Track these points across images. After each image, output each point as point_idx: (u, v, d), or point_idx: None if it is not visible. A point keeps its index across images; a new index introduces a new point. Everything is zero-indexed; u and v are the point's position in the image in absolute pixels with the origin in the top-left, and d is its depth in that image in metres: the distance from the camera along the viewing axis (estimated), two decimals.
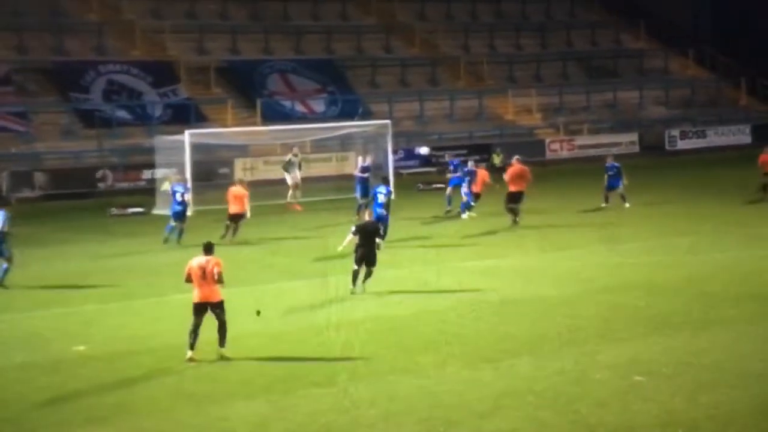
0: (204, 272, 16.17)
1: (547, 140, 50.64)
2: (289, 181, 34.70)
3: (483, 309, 19.49)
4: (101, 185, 38.93)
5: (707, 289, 20.67)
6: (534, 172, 31.92)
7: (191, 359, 16.14)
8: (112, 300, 21.34)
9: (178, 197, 27.59)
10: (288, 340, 17.64)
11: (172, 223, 27.67)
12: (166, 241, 27.45)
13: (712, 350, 16.16)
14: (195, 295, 16.35)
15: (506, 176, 30.28)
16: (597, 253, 25.13)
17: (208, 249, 16.54)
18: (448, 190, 32.41)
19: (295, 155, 35.02)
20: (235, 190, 28.26)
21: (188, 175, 34.33)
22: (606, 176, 32.63)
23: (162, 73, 47.80)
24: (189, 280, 16.33)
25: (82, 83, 45.99)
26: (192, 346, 16.22)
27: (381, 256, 23.84)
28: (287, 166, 34.83)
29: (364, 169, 32.21)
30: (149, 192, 36.85)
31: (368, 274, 21.09)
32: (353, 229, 21.32)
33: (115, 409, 14.12)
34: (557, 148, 50.28)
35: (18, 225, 33.16)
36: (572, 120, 53.24)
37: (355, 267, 20.95)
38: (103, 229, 32.02)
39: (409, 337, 17.55)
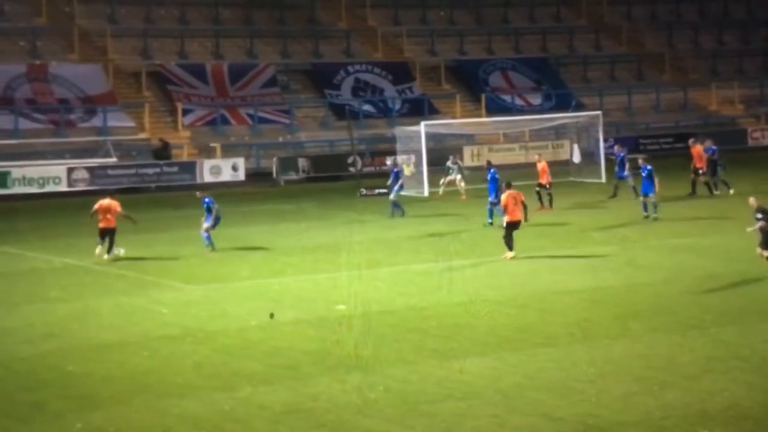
0: (517, 200, 21.69)
1: (749, 129, 48.36)
2: (448, 179, 33.05)
3: (688, 282, 19.00)
4: (352, 169, 40.20)
5: None
6: (736, 158, 30.60)
7: (512, 258, 21.39)
8: (364, 267, 21.87)
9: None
10: (514, 305, 17.76)
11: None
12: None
13: None
14: (512, 215, 21.49)
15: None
16: None
17: (510, 185, 22.16)
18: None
19: (454, 163, 33.39)
20: (541, 165, 29.66)
21: (424, 160, 34.95)
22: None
23: (400, 72, 48.72)
24: (507, 205, 21.50)
25: (335, 82, 47.51)
26: (511, 248, 21.55)
27: (590, 233, 23.55)
28: (446, 171, 33.49)
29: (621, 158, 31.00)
30: None
31: None
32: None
33: (370, 360, 14.55)
34: (759, 136, 47.95)
35: (286, 203, 34.94)
36: None
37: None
38: (354, 206, 33.04)
39: (622, 305, 17.34)
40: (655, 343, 14.76)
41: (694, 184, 31.26)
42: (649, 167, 26.59)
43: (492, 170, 27.43)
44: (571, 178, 37.39)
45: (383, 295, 19.11)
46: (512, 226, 21.76)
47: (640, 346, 14.64)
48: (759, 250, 19.06)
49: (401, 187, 29.80)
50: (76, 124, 42.05)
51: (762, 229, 18.78)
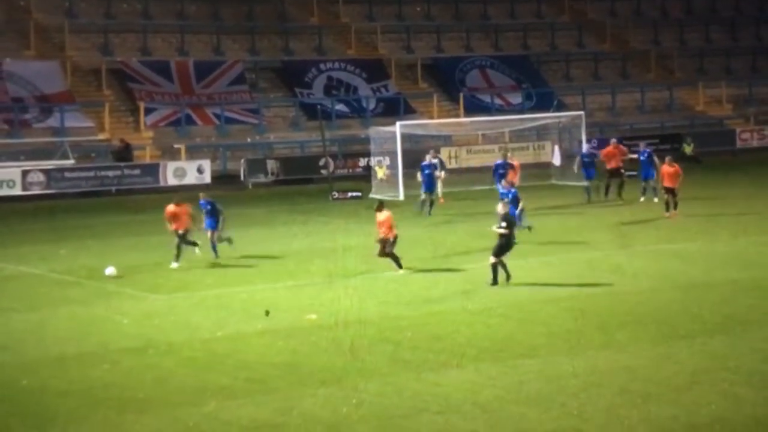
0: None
1: (738, 130, 48.80)
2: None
3: (673, 290, 19.15)
4: (324, 172, 40.19)
5: None
6: (724, 160, 30.89)
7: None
8: (336, 275, 21.90)
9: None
10: (493, 314, 17.82)
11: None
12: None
13: None
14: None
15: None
16: None
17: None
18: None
19: (434, 158, 33.15)
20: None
21: (399, 162, 34.97)
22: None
23: (374, 70, 48.76)
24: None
25: (306, 80, 47.48)
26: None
27: (572, 238, 23.69)
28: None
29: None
30: (365, 178, 37.74)
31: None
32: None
33: (342, 372, 14.60)
34: (748, 137, 48.38)
35: (254, 207, 34.89)
36: (762, 110, 51.06)
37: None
38: (326, 211, 33.02)
39: (606, 314, 17.45)
40: (640, 354, 14.87)
41: (607, 187, 32.35)
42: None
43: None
44: (553, 181, 37.56)
45: (357, 304, 19.07)
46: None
47: (625, 357, 14.74)
48: (492, 258, 19.72)
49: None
50: (31, 125, 41.74)
51: (503, 237, 19.72)
